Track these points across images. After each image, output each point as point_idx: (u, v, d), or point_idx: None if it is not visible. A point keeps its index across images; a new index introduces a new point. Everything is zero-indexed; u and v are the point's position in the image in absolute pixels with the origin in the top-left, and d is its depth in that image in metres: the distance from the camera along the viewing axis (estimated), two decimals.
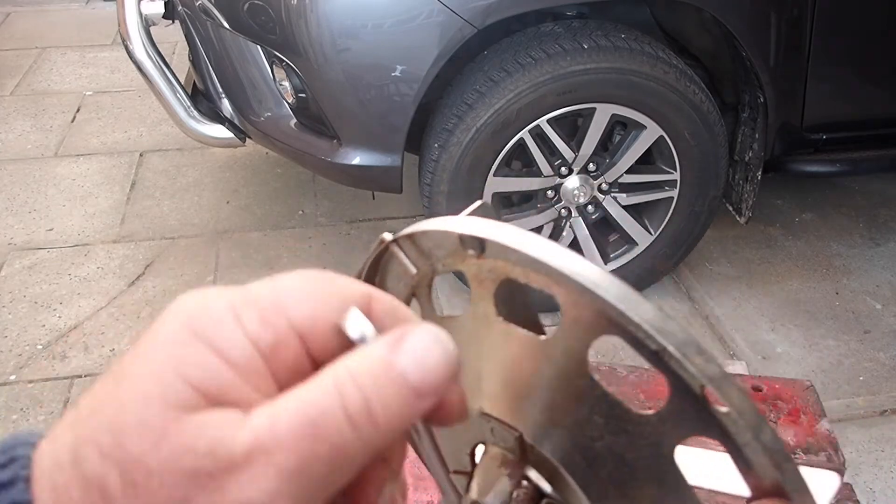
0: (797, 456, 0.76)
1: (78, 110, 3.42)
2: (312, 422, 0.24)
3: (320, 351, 0.28)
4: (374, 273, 0.42)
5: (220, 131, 2.25)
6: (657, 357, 0.30)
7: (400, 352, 0.26)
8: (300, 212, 2.77)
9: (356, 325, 0.28)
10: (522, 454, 0.38)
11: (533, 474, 0.39)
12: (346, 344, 0.28)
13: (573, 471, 0.36)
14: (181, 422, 0.24)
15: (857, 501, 0.73)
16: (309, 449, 0.24)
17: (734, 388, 0.29)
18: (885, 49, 2.17)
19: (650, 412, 0.33)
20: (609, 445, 0.34)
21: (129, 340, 2.22)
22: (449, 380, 0.27)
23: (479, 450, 0.42)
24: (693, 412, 0.30)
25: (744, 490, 0.31)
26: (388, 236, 0.39)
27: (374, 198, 2.61)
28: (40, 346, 2.19)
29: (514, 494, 0.39)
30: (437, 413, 0.29)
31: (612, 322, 0.31)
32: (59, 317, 2.29)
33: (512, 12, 1.89)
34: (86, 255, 2.54)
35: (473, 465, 0.42)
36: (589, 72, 1.93)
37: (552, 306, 0.33)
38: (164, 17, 2.23)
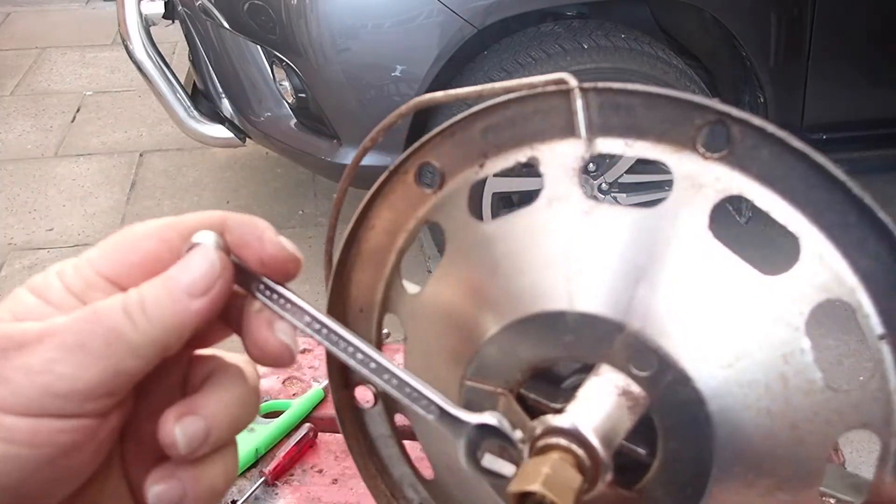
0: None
1: (78, 110, 3.42)
2: (94, 310, 0.31)
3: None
4: (503, 106, 0.35)
5: (220, 131, 2.25)
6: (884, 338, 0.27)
7: (176, 266, 0.33)
8: (300, 212, 2.77)
9: (198, 237, 0.33)
10: (660, 393, 0.31)
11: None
12: None
13: (722, 433, 0.31)
14: None
15: None
16: (87, 329, 0.30)
17: None
18: (885, 49, 2.17)
19: (842, 391, 0.29)
20: (783, 411, 0.30)
21: None
22: (215, 286, 0.33)
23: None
24: (880, 407, 0.28)
25: (856, 498, 0.29)
26: (571, 79, 0.32)
27: None
28: None
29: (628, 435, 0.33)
30: (257, 355, 0.34)
31: (852, 289, 0.28)
32: None
33: (512, 12, 1.89)
34: None
35: (520, 384, 0.35)
36: (589, 72, 1.93)
37: None
38: (164, 17, 2.23)
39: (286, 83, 2.04)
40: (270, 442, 0.78)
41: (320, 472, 0.76)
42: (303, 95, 2.02)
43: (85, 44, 4.03)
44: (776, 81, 2.08)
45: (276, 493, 0.74)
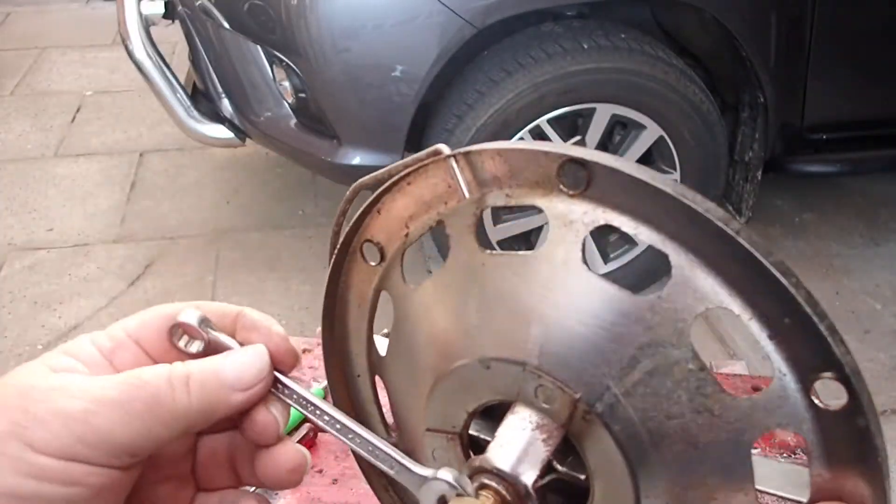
0: (797, 456, 0.76)
1: (78, 110, 3.42)
2: (139, 375, 0.34)
3: (157, 354, 0.37)
4: (404, 181, 0.38)
5: (220, 131, 2.25)
6: (773, 338, 0.28)
7: (229, 357, 0.36)
8: (300, 212, 2.77)
9: (185, 315, 0.37)
10: (570, 420, 0.33)
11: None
12: (176, 351, 0.37)
13: (630, 446, 0.32)
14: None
15: None
16: (131, 391, 0.33)
17: (865, 390, 0.28)
18: (885, 49, 2.17)
19: (744, 397, 0.30)
20: (685, 425, 0.31)
21: None
22: (257, 386, 0.36)
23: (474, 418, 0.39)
24: (790, 405, 0.29)
25: (801, 495, 0.29)
26: (445, 149, 0.36)
27: None
28: (40, 347, 2.19)
29: (560, 466, 0.35)
30: (247, 425, 0.37)
31: (732, 294, 0.29)
32: (59, 317, 2.29)
33: (512, 12, 1.89)
34: (86, 255, 2.54)
35: (466, 427, 0.39)
36: (589, 72, 1.93)
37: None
38: (164, 17, 2.23)
39: (286, 83, 2.04)
40: None
41: (320, 472, 0.76)
42: (303, 95, 2.02)
43: (85, 44, 4.03)
44: (776, 81, 2.08)
45: (276, 494, 0.74)
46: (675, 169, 2.12)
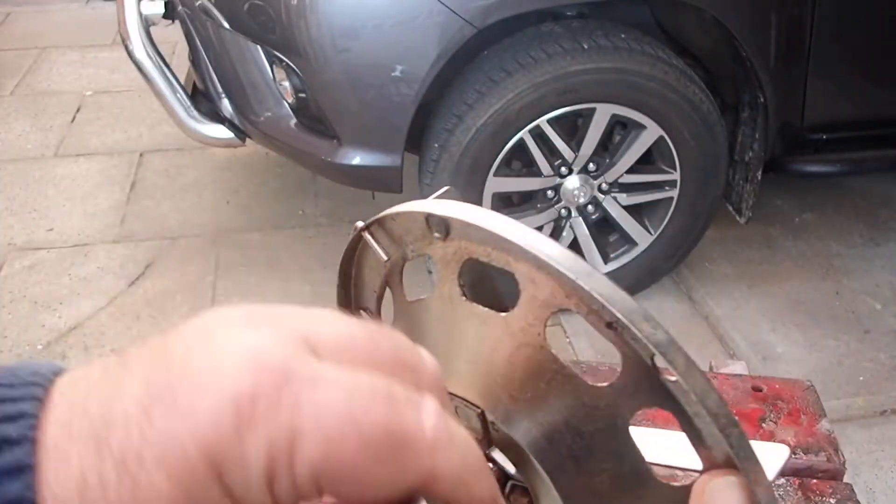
0: (797, 456, 0.76)
1: (78, 110, 3.42)
2: None
3: None
4: (351, 263, 0.45)
5: (220, 131, 2.25)
6: (610, 328, 0.31)
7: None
8: (300, 212, 2.77)
9: None
10: (486, 433, 0.38)
11: (498, 456, 0.39)
12: None
13: (534, 448, 0.36)
14: None
15: (858, 501, 0.73)
16: None
17: (680, 354, 0.30)
18: (886, 49, 2.17)
19: (605, 384, 0.33)
20: (567, 419, 0.35)
21: (129, 341, 2.22)
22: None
23: None
24: (646, 383, 0.31)
25: (697, 464, 0.31)
26: (360, 224, 0.42)
27: (374, 198, 2.61)
28: (40, 347, 2.19)
29: None
30: None
31: (567, 295, 0.32)
32: (60, 317, 2.29)
33: (512, 12, 1.89)
34: (86, 255, 2.54)
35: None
36: (589, 72, 1.93)
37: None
38: (164, 17, 2.23)
39: (286, 83, 2.04)
40: None
41: None
42: (303, 95, 2.02)
43: (85, 44, 4.03)
44: (776, 81, 2.08)
45: None
46: (675, 169, 2.12)
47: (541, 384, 0.35)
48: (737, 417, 0.29)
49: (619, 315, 0.30)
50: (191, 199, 2.83)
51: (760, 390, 0.83)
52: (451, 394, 0.38)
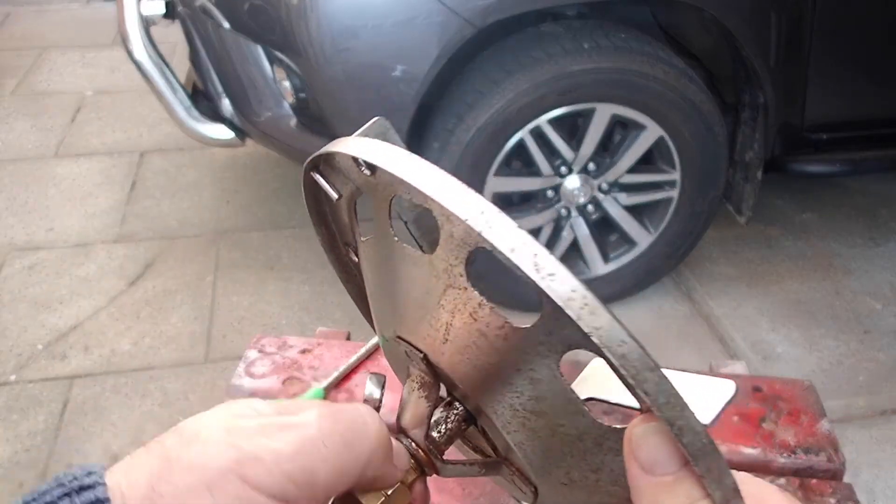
0: (797, 455, 0.76)
1: (78, 110, 3.42)
2: (332, 408, 0.34)
3: None
4: (317, 203, 0.45)
5: (220, 131, 2.25)
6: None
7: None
8: (300, 212, 2.77)
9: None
10: (435, 375, 0.38)
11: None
12: None
13: (472, 388, 0.36)
14: None
15: (857, 501, 0.73)
16: (329, 425, 0.34)
17: (590, 296, 0.29)
18: (886, 49, 2.17)
19: (528, 325, 0.33)
20: (498, 363, 0.35)
21: (129, 341, 2.22)
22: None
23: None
24: (568, 326, 0.30)
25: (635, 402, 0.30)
26: (306, 164, 0.42)
27: None
28: (40, 346, 2.19)
29: (447, 416, 0.40)
30: None
31: (481, 236, 0.32)
32: (59, 317, 2.29)
33: (512, 12, 1.89)
34: (86, 255, 2.54)
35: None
36: (589, 72, 1.93)
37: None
38: (164, 17, 2.23)
39: (286, 83, 2.04)
40: None
41: None
42: (303, 95, 2.02)
43: (85, 44, 4.03)
44: (776, 81, 2.08)
45: None
46: (675, 169, 2.12)
47: (464, 318, 0.35)
48: (657, 362, 0.28)
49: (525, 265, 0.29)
50: (191, 198, 2.83)
51: (760, 390, 0.83)
52: (399, 338, 0.39)
